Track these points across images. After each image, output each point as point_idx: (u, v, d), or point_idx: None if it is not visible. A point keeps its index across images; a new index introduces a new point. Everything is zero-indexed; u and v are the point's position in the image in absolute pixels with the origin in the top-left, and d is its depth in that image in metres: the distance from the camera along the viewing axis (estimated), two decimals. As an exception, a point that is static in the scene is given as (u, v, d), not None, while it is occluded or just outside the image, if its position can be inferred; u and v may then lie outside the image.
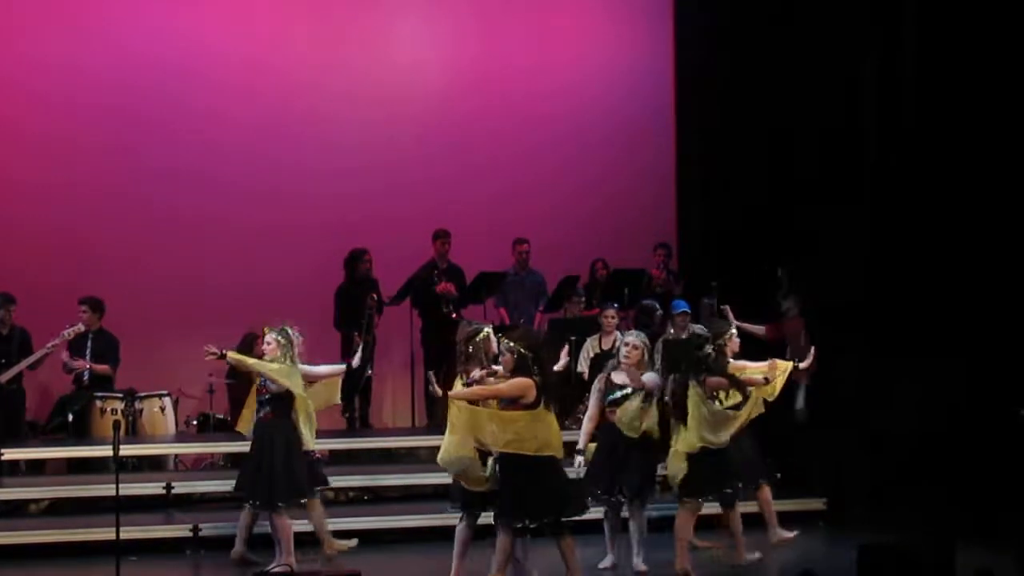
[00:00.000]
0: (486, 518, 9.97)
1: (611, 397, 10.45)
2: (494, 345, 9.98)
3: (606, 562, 10.80)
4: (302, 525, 11.29)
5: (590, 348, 13.40)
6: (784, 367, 11.38)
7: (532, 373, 9.58)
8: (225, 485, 12.61)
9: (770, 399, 11.17)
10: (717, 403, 10.63)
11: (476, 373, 10.07)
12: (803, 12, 14.59)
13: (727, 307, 13.57)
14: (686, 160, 16.38)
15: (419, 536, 12.13)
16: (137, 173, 15.27)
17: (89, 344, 13.76)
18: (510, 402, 9.58)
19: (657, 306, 13.85)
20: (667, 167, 16.48)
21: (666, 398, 10.51)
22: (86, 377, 13.74)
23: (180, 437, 14.02)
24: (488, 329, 10.14)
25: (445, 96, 16.13)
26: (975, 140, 13.14)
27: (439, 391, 9.93)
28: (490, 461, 9.70)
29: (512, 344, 9.65)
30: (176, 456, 13.63)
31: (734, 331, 11.30)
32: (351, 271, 14.53)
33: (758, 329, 13.44)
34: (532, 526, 9.63)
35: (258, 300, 14.49)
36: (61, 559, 11.31)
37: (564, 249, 15.53)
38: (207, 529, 11.79)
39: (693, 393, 10.49)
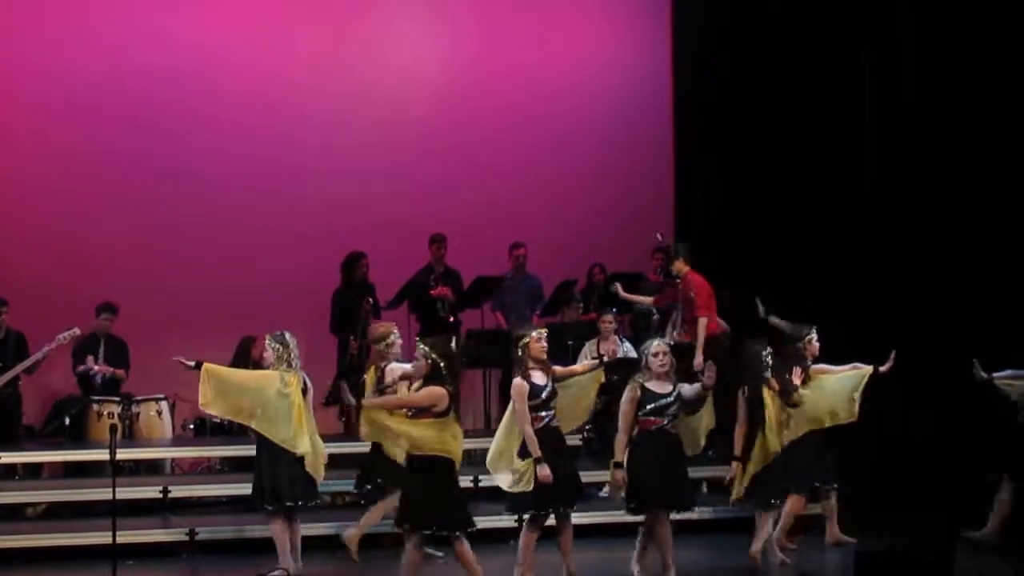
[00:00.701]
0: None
1: (654, 405, 10.27)
2: (539, 350, 10.12)
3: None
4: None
5: (588, 353, 13.37)
6: (863, 373, 11.43)
7: (445, 382, 9.56)
8: (222, 489, 12.67)
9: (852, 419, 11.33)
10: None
11: (389, 378, 10.19)
12: (802, 11, 14.56)
13: (617, 284, 13.62)
14: (685, 162, 16.36)
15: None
16: (135, 176, 15.23)
17: (102, 349, 13.79)
18: (421, 410, 9.57)
19: (654, 311, 13.84)
20: (665, 169, 16.46)
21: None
22: (99, 381, 13.73)
23: (177, 441, 14.00)
24: (533, 334, 10.18)
25: (443, 98, 16.10)
26: (974, 137, 13.16)
27: (352, 399, 9.99)
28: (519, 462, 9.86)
29: (427, 351, 9.63)
30: (173, 460, 13.61)
31: (814, 335, 11.45)
32: (348, 275, 14.48)
33: (646, 300, 13.61)
34: (441, 533, 9.60)
35: (256, 303, 14.49)
36: (57, 563, 11.24)
37: (562, 252, 15.50)
38: (204, 533, 11.77)
39: (768, 398, 10.79)
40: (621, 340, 13.55)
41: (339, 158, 15.70)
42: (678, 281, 13.17)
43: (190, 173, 15.32)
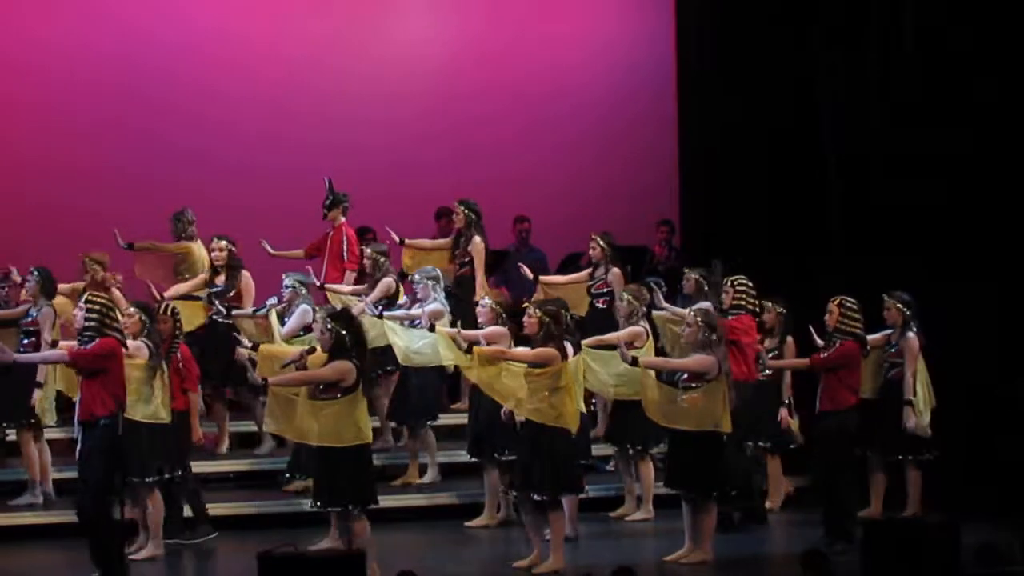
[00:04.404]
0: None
1: None
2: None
3: None
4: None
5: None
6: None
7: (351, 355, 9.41)
8: (230, 465, 12.69)
9: None
10: None
11: (293, 354, 10.04)
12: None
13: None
14: (689, 136, 16.30)
15: (422, 515, 12.12)
16: (136, 151, 15.26)
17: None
18: (329, 386, 9.42)
19: (662, 283, 13.80)
20: (670, 143, 16.39)
21: None
22: None
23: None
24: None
25: (447, 73, 16.07)
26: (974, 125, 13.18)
27: (259, 379, 9.79)
28: None
29: (331, 324, 9.44)
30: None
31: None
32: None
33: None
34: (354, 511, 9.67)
35: (259, 277, 14.45)
36: (62, 540, 11.23)
37: (566, 226, 15.47)
38: (212, 509, 11.77)
39: None
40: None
41: (343, 133, 15.68)
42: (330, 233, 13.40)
43: (192, 147, 15.34)
